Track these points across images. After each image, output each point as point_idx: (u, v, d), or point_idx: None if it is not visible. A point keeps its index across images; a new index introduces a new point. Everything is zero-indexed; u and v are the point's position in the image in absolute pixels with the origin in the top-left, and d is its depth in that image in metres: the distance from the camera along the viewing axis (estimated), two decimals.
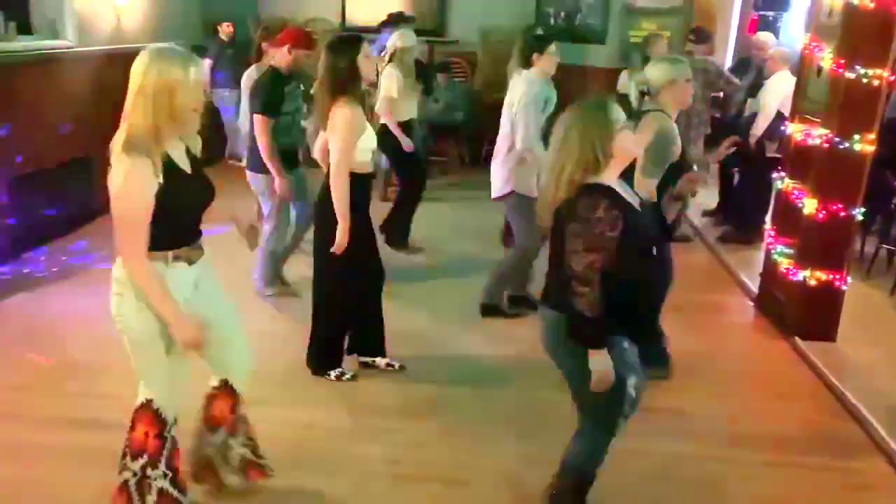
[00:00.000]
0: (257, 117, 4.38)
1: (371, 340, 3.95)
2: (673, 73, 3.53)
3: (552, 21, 8.83)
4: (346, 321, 3.85)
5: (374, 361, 3.96)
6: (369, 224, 3.79)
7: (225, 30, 8.23)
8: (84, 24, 6.28)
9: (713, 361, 4.30)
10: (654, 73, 3.58)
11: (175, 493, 2.59)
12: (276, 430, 3.36)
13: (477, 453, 3.19)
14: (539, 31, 5.12)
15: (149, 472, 2.54)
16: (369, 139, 3.59)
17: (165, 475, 2.56)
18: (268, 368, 3.88)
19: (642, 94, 3.67)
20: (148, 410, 2.54)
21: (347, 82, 3.48)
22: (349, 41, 3.59)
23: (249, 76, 5.25)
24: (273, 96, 4.42)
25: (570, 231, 2.35)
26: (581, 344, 2.41)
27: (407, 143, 5.59)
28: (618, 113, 2.41)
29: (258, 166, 4.50)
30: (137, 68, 2.32)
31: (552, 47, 4.39)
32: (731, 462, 3.30)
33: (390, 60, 5.60)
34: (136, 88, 2.32)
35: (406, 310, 4.64)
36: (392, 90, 5.48)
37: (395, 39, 5.68)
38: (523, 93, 4.27)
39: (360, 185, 3.58)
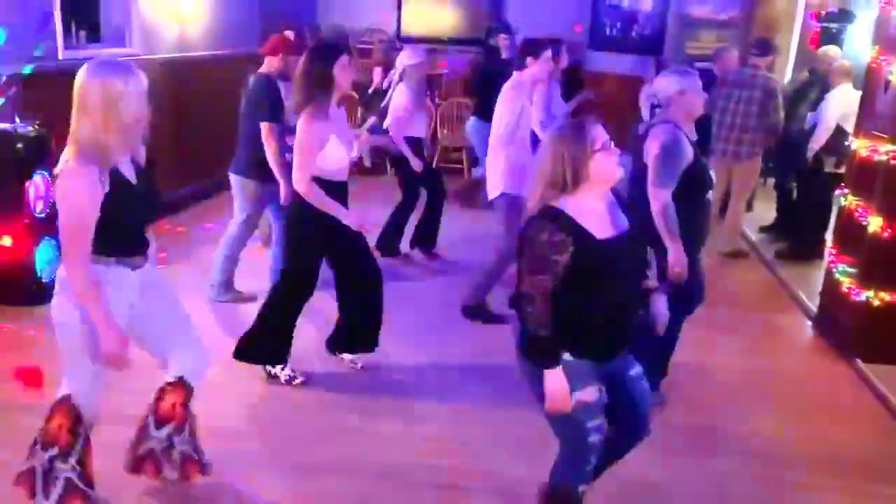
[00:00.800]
0: (264, 125, 4.38)
1: (359, 335, 3.91)
2: (681, 83, 3.42)
3: (608, 32, 8.77)
4: (295, 316, 3.75)
5: (342, 357, 3.98)
6: (347, 230, 3.61)
7: None
8: (149, 32, 6.47)
9: (770, 381, 4.19)
10: (663, 84, 3.48)
11: (82, 485, 2.62)
12: (322, 433, 3.41)
13: (528, 462, 3.14)
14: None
15: (56, 464, 2.58)
16: (339, 147, 3.52)
17: (74, 469, 2.60)
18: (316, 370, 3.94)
19: (653, 106, 3.58)
20: (66, 404, 2.59)
21: (317, 91, 3.45)
22: (328, 49, 3.58)
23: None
24: (277, 103, 4.47)
25: (522, 250, 2.35)
26: (530, 362, 2.40)
27: (417, 164, 5.54)
28: (599, 133, 2.33)
29: (245, 170, 4.56)
30: (79, 83, 2.32)
31: (547, 53, 4.49)
32: (789, 485, 3.21)
33: (401, 79, 5.55)
34: (80, 103, 2.32)
35: (456, 313, 4.64)
36: (401, 107, 5.46)
37: (403, 57, 5.60)
38: (505, 91, 4.45)
39: (329, 191, 3.52)
